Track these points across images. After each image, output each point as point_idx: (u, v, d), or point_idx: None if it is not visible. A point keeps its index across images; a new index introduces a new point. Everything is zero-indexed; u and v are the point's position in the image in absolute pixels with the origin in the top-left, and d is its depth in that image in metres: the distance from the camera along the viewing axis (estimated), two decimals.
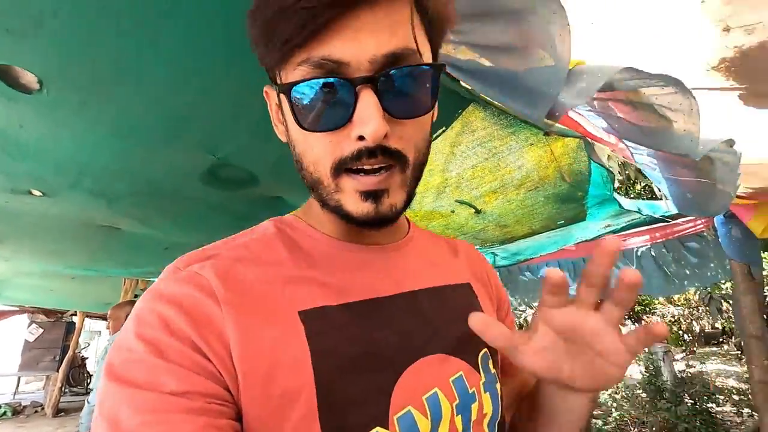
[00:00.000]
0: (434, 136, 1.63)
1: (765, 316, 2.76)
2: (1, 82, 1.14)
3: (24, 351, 9.91)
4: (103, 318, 9.98)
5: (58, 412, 8.28)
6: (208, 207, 2.30)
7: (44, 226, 2.67)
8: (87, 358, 12.13)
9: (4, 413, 8.16)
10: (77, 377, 10.34)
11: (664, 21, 1.03)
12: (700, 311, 12.63)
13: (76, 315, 9.85)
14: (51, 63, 1.10)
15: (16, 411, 8.42)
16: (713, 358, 10.70)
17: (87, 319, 10.23)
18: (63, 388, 8.68)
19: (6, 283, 5.65)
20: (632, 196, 6.38)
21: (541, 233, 3.25)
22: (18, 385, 10.14)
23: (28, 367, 9.51)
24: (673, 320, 13.02)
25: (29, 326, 10.75)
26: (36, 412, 8.57)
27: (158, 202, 2.22)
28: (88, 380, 10.51)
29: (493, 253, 4.01)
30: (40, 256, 3.51)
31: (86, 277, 5.10)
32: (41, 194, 2.01)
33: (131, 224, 2.64)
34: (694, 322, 13.30)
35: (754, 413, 4.87)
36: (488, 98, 1.38)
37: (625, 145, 1.42)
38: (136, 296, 5.76)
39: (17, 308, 10.77)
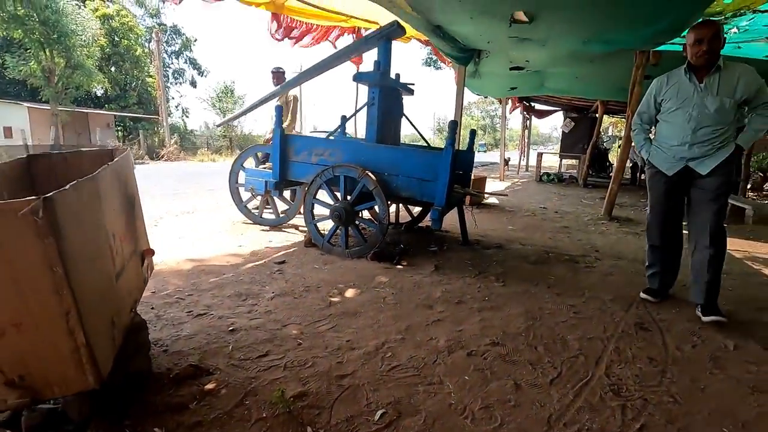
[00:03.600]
0: None
1: None
2: None
3: (563, 139, 12.96)
4: (621, 111, 10.85)
5: (586, 184, 10.49)
6: None
7: None
8: (608, 149, 13.92)
9: (552, 179, 11.30)
10: (599, 161, 12.25)
11: None
12: None
13: (597, 111, 11.29)
14: None
15: (560, 179, 11.42)
16: None
17: (605, 116, 11.50)
18: (589, 168, 10.73)
19: (546, 74, 7.33)
20: None
21: None
22: (560, 164, 13.56)
23: (566, 150, 12.42)
24: None
25: (564, 121, 13.51)
26: (572, 182, 11.24)
27: None
28: (609, 167, 12.32)
29: None
30: (563, 31, 4.29)
31: (603, 60, 5.70)
32: None
33: None
34: None
35: None
36: None
37: None
38: (647, 76, 5.85)
39: (556, 108, 13.68)
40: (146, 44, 24.86)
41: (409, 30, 4.79)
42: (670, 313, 2.61)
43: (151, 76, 24.08)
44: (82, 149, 1.83)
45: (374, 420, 1.47)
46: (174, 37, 28.86)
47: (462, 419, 1.50)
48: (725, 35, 2.83)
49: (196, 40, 29.12)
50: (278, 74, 5.33)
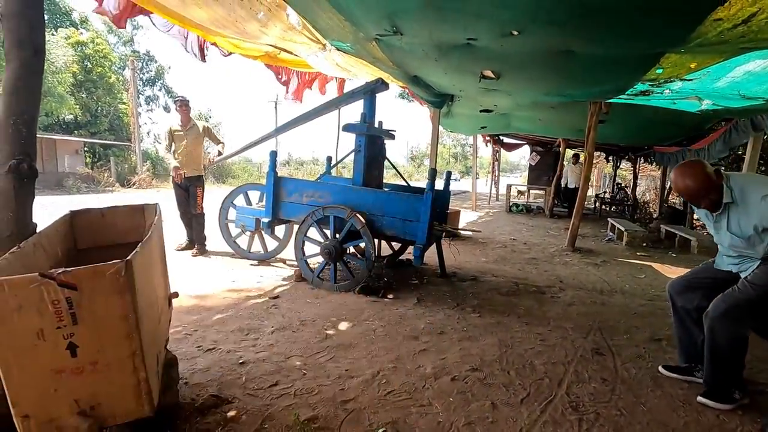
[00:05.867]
0: None
1: None
2: None
3: (530, 171, 13.80)
4: (580, 145, 11.74)
5: (552, 214, 11.19)
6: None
7: (521, 60, 3.80)
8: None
9: (521, 209, 11.98)
10: (562, 193, 13.07)
11: None
12: None
13: (560, 147, 12.16)
14: None
15: (528, 209, 12.10)
16: None
17: (568, 150, 12.38)
18: (554, 199, 11.47)
19: (512, 116, 8.00)
20: None
21: None
22: (527, 195, 14.33)
23: (533, 181, 13.22)
24: None
25: (531, 154, 14.40)
26: (539, 212, 11.95)
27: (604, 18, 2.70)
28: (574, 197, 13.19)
29: None
30: (525, 86, 4.89)
31: (562, 107, 6.37)
32: (517, 33, 3.02)
33: (581, 45, 3.28)
34: None
35: None
36: None
37: None
38: (601, 121, 6.55)
39: (523, 141, 14.57)
40: (120, 72, 24.79)
41: (389, 77, 5.26)
42: (622, 339, 3.02)
43: (123, 103, 23.93)
44: (117, 206, 2.08)
45: None
46: (148, 64, 28.89)
47: None
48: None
49: (170, 68, 29.19)
50: (183, 103, 4.79)
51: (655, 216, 11.57)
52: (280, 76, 4.96)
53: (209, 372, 2.21)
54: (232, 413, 1.86)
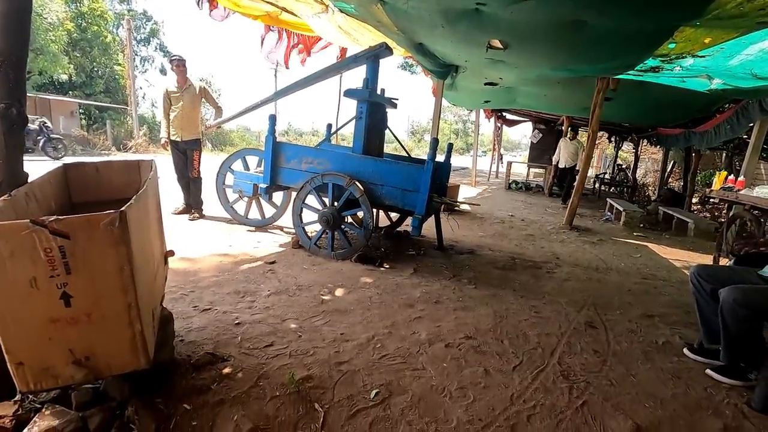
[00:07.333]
0: None
1: None
2: None
3: (531, 149, 13.68)
4: (584, 124, 11.59)
5: (551, 193, 11.16)
6: None
7: (531, 31, 3.68)
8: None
9: (520, 187, 11.94)
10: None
11: None
12: None
13: (562, 125, 12.00)
14: None
15: (527, 188, 12.06)
16: None
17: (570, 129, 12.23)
18: (554, 178, 11.41)
19: (517, 91, 7.84)
20: None
21: None
22: (528, 173, 14.27)
23: (534, 160, 13.13)
24: None
25: (533, 132, 14.24)
26: (539, 191, 11.91)
27: None
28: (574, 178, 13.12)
29: None
30: (533, 59, 4.75)
31: (568, 84, 6.23)
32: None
33: (594, 15, 3.16)
34: None
35: None
36: None
37: None
38: (607, 98, 6.43)
39: (526, 118, 14.36)
40: (115, 31, 24.03)
41: (393, 44, 5.10)
42: (615, 315, 3.05)
43: (119, 64, 23.31)
44: (112, 161, 2.03)
45: (370, 398, 1.77)
46: (144, 23, 27.99)
47: (442, 397, 1.82)
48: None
49: (163, 22, 28.22)
50: (180, 62, 4.67)
51: (653, 198, 11.56)
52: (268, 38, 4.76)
53: (205, 331, 2.22)
54: (227, 370, 1.87)
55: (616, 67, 4.59)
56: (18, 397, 1.49)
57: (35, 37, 16.66)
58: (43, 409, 1.45)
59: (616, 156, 16.72)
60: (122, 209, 1.28)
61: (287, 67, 5.74)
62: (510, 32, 3.86)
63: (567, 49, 4.09)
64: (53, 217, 1.20)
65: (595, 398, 1.92)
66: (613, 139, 15.70)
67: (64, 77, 22.36)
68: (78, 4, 20.97)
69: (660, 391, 2.04)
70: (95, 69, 23.17)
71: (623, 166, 15.68)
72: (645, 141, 12.85)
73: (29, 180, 1.60)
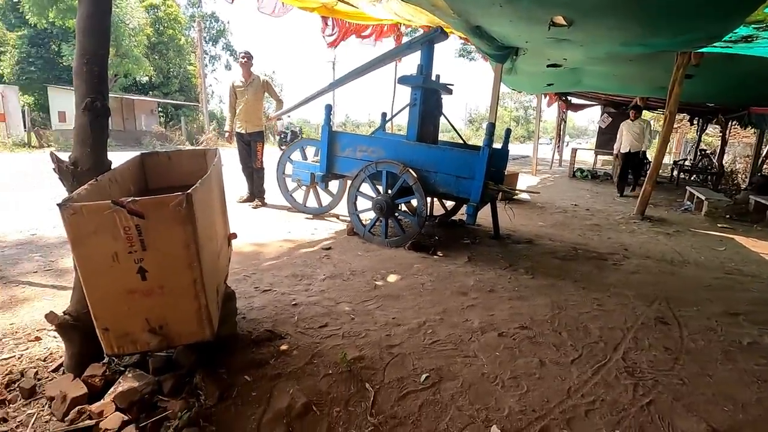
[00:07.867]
0: None
1: None
2: None
3: (599, 135, 12.80)
4: (660, 105, 10.59)
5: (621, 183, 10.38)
6: None
7: (598, 3, 3.40)
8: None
9: (585, 175, 11.24)
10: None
11: None
12: None
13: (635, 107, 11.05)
14: None
15: (594, 176, 11.32)
16: None
17: (645, 112, 11.25)
18: (620, 167, 10.58)
19: (583, 71, 7.33)
20: None
21: None
22: (595, 160, 13.38)
23: (602, 146, 12.28)
24: None
25: (602, 116, 13.30)
26: (607, 179, 11.12)
27: None
28: (647, 165, 12.07)
29: None
30: (601, 35, 4.40)
31: (642, 60, 5.71)
32: None
33: None
34: None
35: None
36: None
37: None
38: (688, 76, 5.82)
39: (594, 102, 13.42)
40: (187, 33, 25.81)
41: (448, 28, 4.98)
42: (691, 311, 2.79)
43: (191, 64, 25.04)
44: (181, 150, 2.20)
45: (420, 381, 1.78)
46: (212, 23, 29.77)
47: (493, 386, 1.79)
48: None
49: (228, 22, 29.88)
50: (247, 56, 4.93)
51: (744, 187, 10.35)
52: (331, 32, 4.85)
53: (264, 310, 2.35)
54: (284, 347, 1.97)
55: (699, 38, 4.12)
56: (105, 360, 1.68)
57: (120, 43, 18.33)
58: (126, 372, 1.62)
59: (699, 140, 15.12)
60: (188, 191, 1.38)
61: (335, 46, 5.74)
62: (575, 6, 3.61)
63: (641, 21, 3.74)
64: (131, 199, 1.33)
65: (663, 397, 1.78)
66: (695, 121, 14.21)
67: (145, 79, 24.46)
68: (156, 10, 22.73)
69: (741, 394, 1.85)
70: (171, 69, 25.07)
71: (707, 152, 14.15)
72: (734, 122, 11.49)
73: (112, 167, 1.78)
